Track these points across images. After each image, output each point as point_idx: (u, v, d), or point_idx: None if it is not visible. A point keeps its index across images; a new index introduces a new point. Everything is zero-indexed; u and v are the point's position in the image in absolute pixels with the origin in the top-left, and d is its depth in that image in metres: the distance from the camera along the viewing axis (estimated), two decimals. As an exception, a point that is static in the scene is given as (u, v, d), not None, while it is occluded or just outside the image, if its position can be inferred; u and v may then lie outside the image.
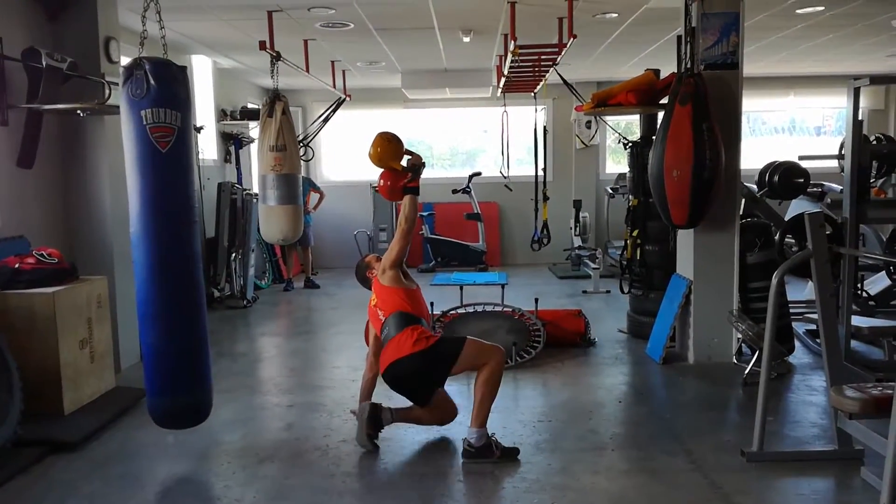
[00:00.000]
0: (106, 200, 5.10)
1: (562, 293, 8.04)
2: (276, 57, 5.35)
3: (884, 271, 6.08)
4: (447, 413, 3.90)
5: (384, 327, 3.73)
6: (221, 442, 3.89)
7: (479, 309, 5.75)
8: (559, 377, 4.95)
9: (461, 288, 6.14)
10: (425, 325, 3.76)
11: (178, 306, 3.31)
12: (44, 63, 4.43)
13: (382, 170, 3.91)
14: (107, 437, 3.95)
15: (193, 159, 3.40)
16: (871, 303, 6.12)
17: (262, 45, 5.26)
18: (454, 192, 9.72)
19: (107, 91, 4.61)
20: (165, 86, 3.18)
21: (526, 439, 3.78)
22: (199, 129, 7.09)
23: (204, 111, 7.81)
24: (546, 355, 5.32)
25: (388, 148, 3.86)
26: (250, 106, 8.88)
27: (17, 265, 4.14)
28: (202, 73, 7.79)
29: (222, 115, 8.27)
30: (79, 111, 4.68)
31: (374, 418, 3.73)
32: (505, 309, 5.75)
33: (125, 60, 3.60)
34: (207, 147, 7.81)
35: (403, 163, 3.86)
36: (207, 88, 7.94)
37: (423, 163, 3.90)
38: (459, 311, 5.73)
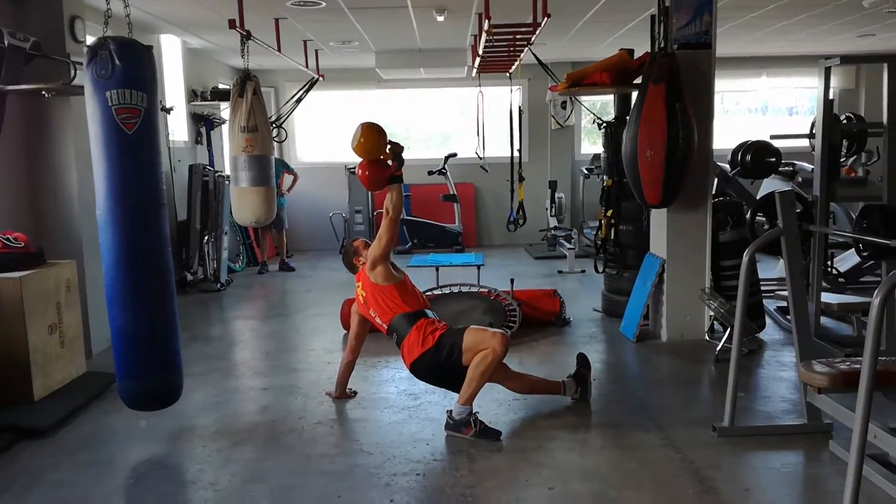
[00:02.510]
0: (73, 183, 5.00)
1: (537, 273, 8.07)
2: (247, 36, 5.25)
3: (853, 249, 6.17)
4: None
5: (391, 333, 3.80)
6: (195, 426, 3.86)
7: (456, 290, 5.76)
8: (535, 356, 4.98)
9: (437, 269, 6.14)
10: (429, 314, 3.80)
11: (147, 290, 3.28)
12: (6, 42, 4.30)
13: (362, 160, 3.83)
14: (78, 423, 3.90)
15: (161, 141, 3.34)
16: (841, 280, 6.23)
17: (232, 24, 5.16)
18: (430, 173, 9.68)
19: (72, 71, 4.51)
20: (131, 66, 3.12)
21: (501, 418, 3.80)
22: (168, 111, 6.97)
23: (174, 92, 7.67)
24: (522, 335, 5.34)
25: (375, 139, 3.79)
26: (221, 86, 8.74)
27: (-18, 250, 4.06)
28: (171, 53, 7.64)
29: (193, 95, 8.13)
30: (43, 92, 4.55)
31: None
32: (481, 289, 5.76)
33: (91, 40, 3.51)
34: (178, 128, 7.67)
35: (387, 151, 3.82)
36: (177, 69, 7.78)
37: (403, 148, 3.87)
38: (436, 292, 5.73)
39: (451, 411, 3.60)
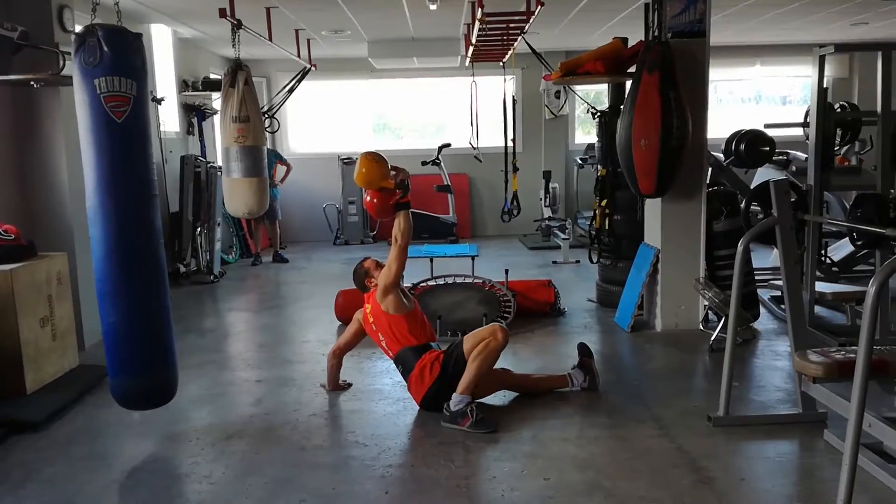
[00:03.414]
0: (63, 174, 4.95)
1: (532, 264, 8.06)
2: (238, 25, 5.20)
3: (847, 238, 6.17)
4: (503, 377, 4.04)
5: (397, 363, 3.88)
6: (189, 419, 3.85)
7: (450, 281, 5.74)
8: (529, 347, 4.97)
9: (431, 260, 6.12)
10: (433, 346, 3.85)
11: (138, 283, 3.22)
12: (-7, 32, 4.25)
13: (367, 189, 3.85)
14: (71, 416, 3.88)
15: (151, 130, 3.29)
16: (835, 269, 6.23)
17: (223, 13, 5.11)
18: (424, 163, 9.64)
19: (61, 61, 4.45)
20: (120, 53, 3.06)
21: (496, 409, 3.80)
22: (159, 101, 6.90)
23: (165, 82, 7.60)
24: (516, 325, 5.33)
25: (375, 169, 3.79)
26: (212, 76, 8.68)
27: (-29, 242, 4.02)
28: (162, 42, 7.56)
29: (184, 86, 8.06)
30: (32, 82, 4.50)
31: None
32: (475, 280, 5.75)
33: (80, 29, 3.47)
34: (169, 119, 7.61)
35: (390, 180, 3.81)
36: (168, 59, 7.72)
37: (408, 175, 3.87)
38: (430, 283, 5.71)
39: (447, 405, 3.59)
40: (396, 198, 3.81)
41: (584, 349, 4.15)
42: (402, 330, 3.82)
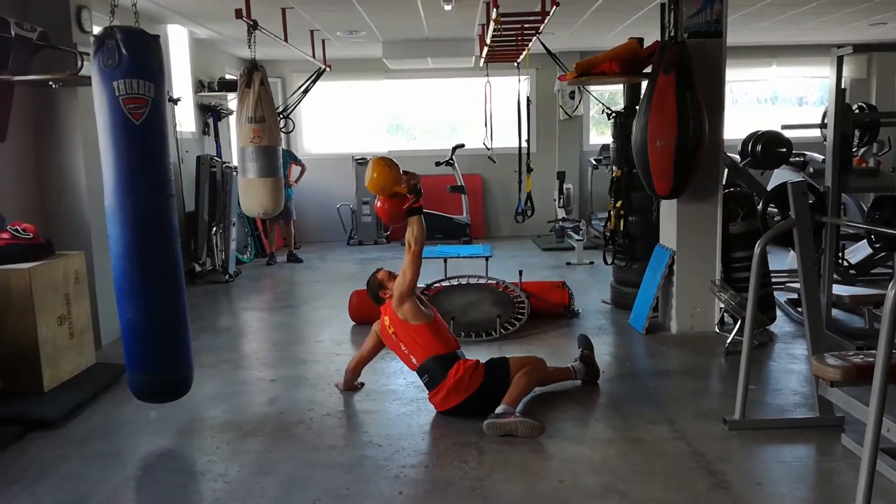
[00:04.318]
0: (81, 174, 5.00)
1: (546, 265, 8.04)
2: (254, 26, 5.23)
3: (865, 240, 6.12)
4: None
5: (422, 373, 3.80)
6: (204, 417, 3.87)
7: (464, 282, 5.74)
8: (543, 348, 4.95)
9: (445, 261, 6.12)
10: (459, 354, 3.82)
11: (156, 281, 3.26)
12: (13, 32, 4.29)
13: (379, 195, 3.82)
14: (88, 414, 3.91)
15: (168, 131, 3.32)
16: (852, 271, 6.18)
17: (239, 14, 5.13)
18: (437, 164, 9.65)
19: (79, 62, 4.49)
20: (138, 56, 3.09)
21: (510, 410, 3.79)
22: (175, 101, 6.95)
23: (181, 83, 7.66)
24: (530, 327, 5.32)
25: (387, 174, 3.74)
26: (228, 77, 8.72)
27: (-9, 241, 4.06)
28: (178, 43, 7.62)
29: (200, 86, 8.11)
30: (51, 83, 4.54)
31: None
32: (489, 281, 5.74)
33: (98, 30, 3.49)
34: (185, 119, 7.66)
35: (402, 185, 3.78)
36: (184, 59, 7.77)
37: (419, 179, 3.83)
38: (444, 283, 5.71)
39: (496, 412, 3.55)
40: (409, 203, 3.78)
41: (585, 341, 4.16)
42: (427, 338, 3.77)
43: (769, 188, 6.02)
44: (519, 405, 3.66)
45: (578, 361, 4.12)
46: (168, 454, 3.51)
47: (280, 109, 6.97)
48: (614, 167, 5.94)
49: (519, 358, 3.87)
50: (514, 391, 3.64)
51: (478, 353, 4.14)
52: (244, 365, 4.87)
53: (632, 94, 5.94)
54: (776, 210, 5.21)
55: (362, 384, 4.21)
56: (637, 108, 5.02)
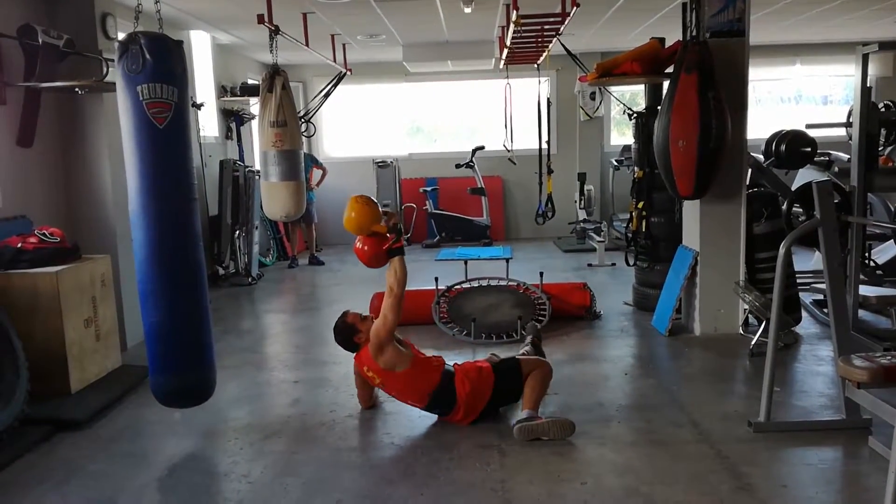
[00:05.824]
0: (107, 178, 5.07)
1: (567, 267, 8.01)
2: (275, 31, 5.26)
3: (892, 240, 6.03)
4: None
5: (432, 410, 3.66)
6: (228, 418, 3.90)
7: (484, 283, 5.73)
8: (565, 350, 4.94)
9: (466, 263, 6.11)
10: (449, 366, 3.71)
11: (179, 284, 3.29)
12: (40, 40, 4.38)
13: (359, 236, 3.69)
14: (114, 415, 3.97)
15: (192, 135, 3.36)
16: (879, 272, 6.07)
17: (261, 19, 5.17)
18: (457, 166, 9.64)
19: (104, 68, 4.56)
20: (161, 61, 3.14)
21: (532, 412, 3.78)
22: (199, 106, 7.03)
23: (204, 88, 7.74)
24: (551, 328, 5.30)
25: (366, 212, 3.60)
26: (250, 82, 8.79)
27: (19, 245, 4.13)
28: (201, 49, 7.70)
29: (222, 91, 8.19)
30: (77, 89, 4.63)
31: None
32: (510, 283, 5.73)
33: (122, 36, 3.55)
34: (208, 124, 7.74)
35: (382, 223, 3.64)
36: (207, 65, 7.85)
37: (398, 219, 3.72)
38: (464, 285, 5.71)
39: (520, 418, 3.53)
40: (389, 243, 3.62)
41: (535, 330, 4.39)
42: (418, 381, 3.60)
43: (794, 188, 5.95)
44: (539, 407, 3.64)
45: (530, 346, 4.20)
46: (192, 455, 3.54)
47: (301, 113, 7.02)
48: (636, 168, 5.91)
49: (527, 359, 3.82)
50: (533, 394, 3.60)
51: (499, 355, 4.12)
52: (267, 367, 4.91)
53: (653, 95, 5.90)
54: (801, 210, 5.14)
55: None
56: (659, 108, 4.99)
